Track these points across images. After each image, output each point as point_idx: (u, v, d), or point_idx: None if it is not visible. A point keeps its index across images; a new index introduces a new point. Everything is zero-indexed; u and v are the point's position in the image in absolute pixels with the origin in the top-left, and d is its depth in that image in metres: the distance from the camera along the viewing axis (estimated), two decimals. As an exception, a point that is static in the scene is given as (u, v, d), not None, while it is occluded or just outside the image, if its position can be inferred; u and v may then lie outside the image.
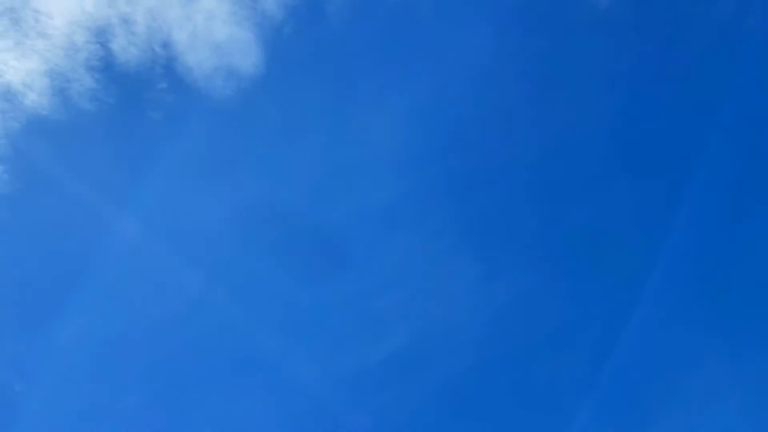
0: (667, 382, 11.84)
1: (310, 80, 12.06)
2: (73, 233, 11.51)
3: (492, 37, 12.39)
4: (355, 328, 12.21)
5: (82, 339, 11.51)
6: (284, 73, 11.89)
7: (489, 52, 12.27)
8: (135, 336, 11.64)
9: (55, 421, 11.37)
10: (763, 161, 12.12)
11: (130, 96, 11.31)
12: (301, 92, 12.00)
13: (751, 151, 12.23)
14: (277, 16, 11.75)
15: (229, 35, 11.30)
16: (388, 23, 12.48)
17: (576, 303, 12.53)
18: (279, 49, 11.76)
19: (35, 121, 11.11)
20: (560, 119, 12.37)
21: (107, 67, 11.13)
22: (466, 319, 12.49)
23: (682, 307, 11.92)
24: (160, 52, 11.19)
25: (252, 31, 11.44)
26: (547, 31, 12.61)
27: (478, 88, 12.38)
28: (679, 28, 12.56)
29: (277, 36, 11.75)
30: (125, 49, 11.14)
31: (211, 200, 11.80)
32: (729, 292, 11.75)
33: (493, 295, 12.65)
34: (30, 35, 10.84)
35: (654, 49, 12.49)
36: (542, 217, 12.69)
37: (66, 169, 11.60)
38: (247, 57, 11.40)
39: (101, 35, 11.07)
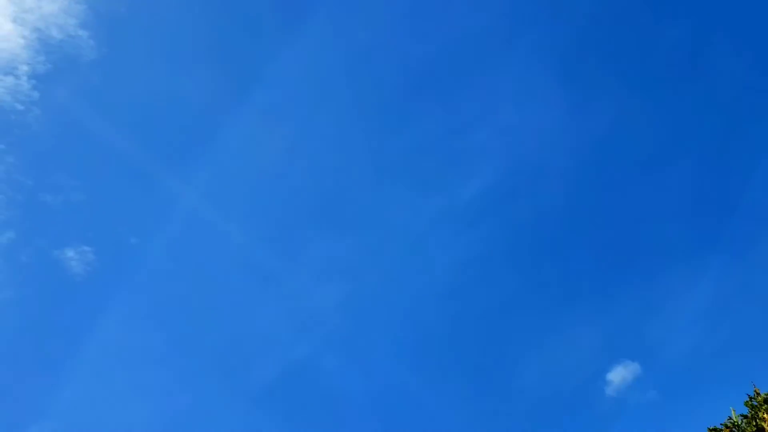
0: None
1: None
2: (165, 92, 11.82)
3: None
4: (445, 165, 12.31)
5: (193, 198, 12.13)
6: None
7: None
8: (239, 201, 12.18)
9: (166, 274, 12.27)
10: None
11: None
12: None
13: None
14: None
15: None
16: None
17: (672, 127, 12.10)
18: None
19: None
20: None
21: None
22: (558, 150, 12.33)
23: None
24: None
25: None
26: None
27: None
28: None
29: None
30: None
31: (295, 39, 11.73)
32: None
33: (585, 124, 12.35)
34: None
35: None
36: (636, 38, 12.04)
37: (150, 34, 11.73)
38: None
39: None
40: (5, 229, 49.08)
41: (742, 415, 11.64)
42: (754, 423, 11.70)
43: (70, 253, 50.55)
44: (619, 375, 44.74)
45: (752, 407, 11.10)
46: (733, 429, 11.11)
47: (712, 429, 11.24)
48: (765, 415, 11.22)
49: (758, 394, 10.88)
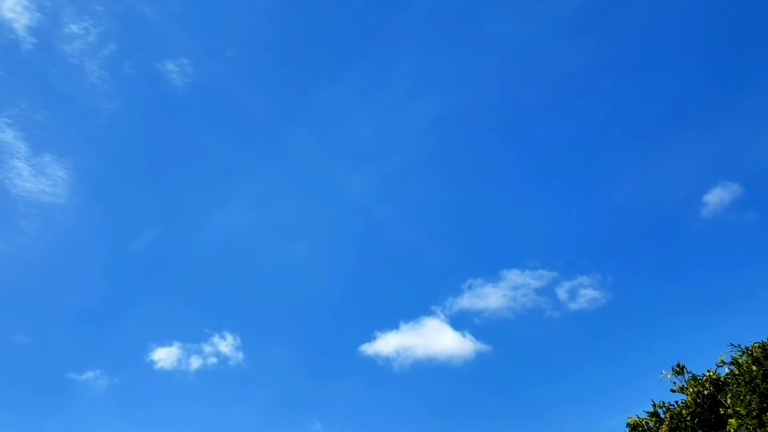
0: None
1: None
2: None
3: None
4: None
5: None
6: None
7: None
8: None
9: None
10: None
11: None
12: None
13: None
14: None
15: None
16: None
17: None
18: None
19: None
20: None
21: None
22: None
23: None
24: None
25: None
26: None
27: None
28: None
29: None
30: None
31: None
32: None
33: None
34: None
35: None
36: None
37: None
38: None
39: None
40: (108, 41, 50.20)
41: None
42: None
43: (170, 65, 51.78)
44: (716, 196, 43.00)
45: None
46: None
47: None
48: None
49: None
